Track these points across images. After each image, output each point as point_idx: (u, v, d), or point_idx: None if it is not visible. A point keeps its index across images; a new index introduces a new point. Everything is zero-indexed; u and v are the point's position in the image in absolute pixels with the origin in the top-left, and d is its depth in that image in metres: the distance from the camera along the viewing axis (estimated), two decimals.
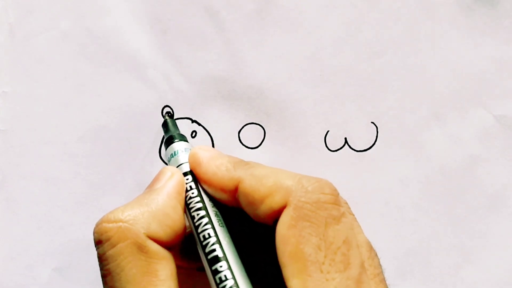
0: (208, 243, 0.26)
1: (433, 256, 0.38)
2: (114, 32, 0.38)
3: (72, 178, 0.38)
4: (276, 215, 0.25)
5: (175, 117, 0.38)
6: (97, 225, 0.25)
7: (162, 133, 0.38)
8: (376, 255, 0.26)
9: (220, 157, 0.28)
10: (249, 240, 0.29)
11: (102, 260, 0.24)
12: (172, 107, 0.38)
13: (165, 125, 0.35)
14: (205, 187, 0.28)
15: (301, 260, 0.23)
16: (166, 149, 0.32)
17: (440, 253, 0.39)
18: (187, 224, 0.28)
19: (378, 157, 0.39)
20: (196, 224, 0.27)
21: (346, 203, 0.27)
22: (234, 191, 0.26)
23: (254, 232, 0.29)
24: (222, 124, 0.38)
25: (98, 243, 0.25)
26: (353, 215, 0.26)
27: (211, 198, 0.28)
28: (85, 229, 0.38)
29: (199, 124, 0.38)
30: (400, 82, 0.39)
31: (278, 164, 0.38)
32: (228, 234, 0.26)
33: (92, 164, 0.38)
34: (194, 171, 0.29)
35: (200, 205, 0.27)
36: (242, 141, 0.39)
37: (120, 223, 0.25)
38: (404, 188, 0.39)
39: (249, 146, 0.39)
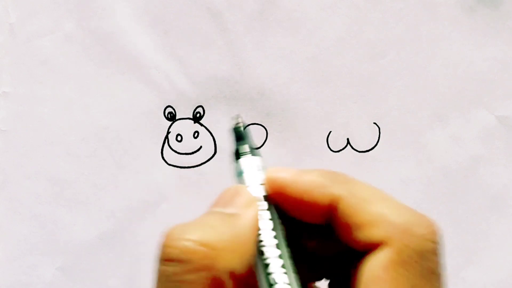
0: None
1: None
2: (117, 34, 0.38)
3: (75, 178, 0.38)
4: (370, 246, 0.23)
5: (177, 117, 0.38)
6: (179, 239, 0.21)
7: (164, 134, 0.38)
8: None
9: (306, 172, 0.25)
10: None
11: (173, 280, 0.21)
12: (174, 107, 0.38)
13: (236, 134, 0.29)
14: (291, 208, 0.25)
15: None
16: (236, 160, 0.28)
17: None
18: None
19: (380, 157, 0.39)
20: (267, 263, 0.24)
21: None
22: (326, 208, 0.24)
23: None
24: (224, 124, 0.38)
25: (174, 260, 0.21)
26: None
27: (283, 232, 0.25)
28: (88, 229, 0.38)
29: (201, 125, 0.38)
30: (402, 83, 0.39)
31: (280, 164, 0.38)
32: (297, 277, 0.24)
33: (95, 165, 0.38)
34: (278, 197, 0.25)
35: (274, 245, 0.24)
36: None
37: (208, 249, 0.21)
38: (406, 189, 0.39)
39: None
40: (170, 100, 0.38)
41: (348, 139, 0.39)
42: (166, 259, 0.21)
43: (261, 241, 0.24)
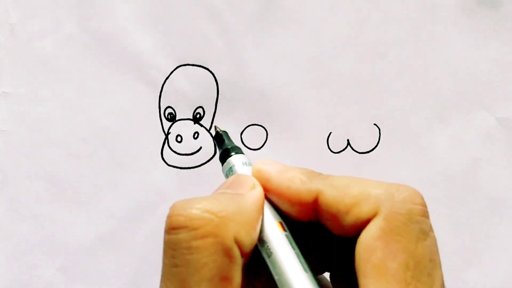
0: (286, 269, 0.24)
1: None
2: (118, 34, 0.38)
3: (75, 178, 0.38)
4: (362, 226, 0.23)
5: (177, 118, 0.38)
6: (186, 208, 0.22)
7: (164, 135, 0.38)
8: None
9: (290, 169, 0.26)
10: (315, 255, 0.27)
11: (181, 247, 0.22)
12: (174, 108, 0.38)
13: (218, 138, 0.33)
14: (277, 202, 0.26)
15: (386, 277, 0.21)
16: (223, 163, 0.31)
17: (442, 255, 0.39)
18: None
19: (380, 159, 0.39)
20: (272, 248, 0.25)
21: None
22: (311, 204, 0.25)
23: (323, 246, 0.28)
24: (224, 125, 0.38)
25: (181, 227, 0.22)
26: None
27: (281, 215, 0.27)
28: (88, 230, 0.38)
29: (201, 126, 0.38)
30: (403, 84, 0.39)
31: None
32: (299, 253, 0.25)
33: (95, 165, 0.38)
34: (263, 187, 0.26)
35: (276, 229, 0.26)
36: (245, 142, 0.39)
37: (214, 217, 0.22)
38: None
39: (251, 147, 0.39)
40: (170, 100, 0.38)
41: (348, 140, 0.39)
42: (173, 228, 0.22)
43: (267, 221, 0.25)
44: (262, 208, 0.25)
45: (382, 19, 0.39)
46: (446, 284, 0.39)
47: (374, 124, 0.39)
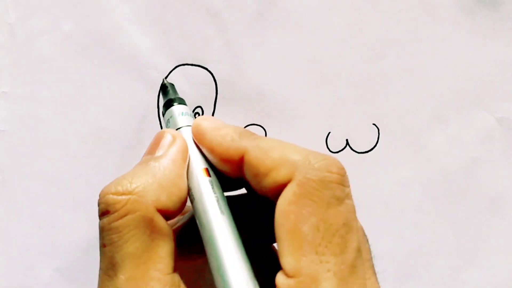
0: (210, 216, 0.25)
1: (434, 258, 0.38)
2: (116, 33, 0.38)
3: (73, 178, 0.38)
4: (280, 189, 0.24)
5: None
6: (104, 195, 0.24)
7: None
8: (367, 241, 0.26)
9: (225, 126, 0.28)
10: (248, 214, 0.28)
11: (105, 230, 0.24)
12: None
13: (163, 89, 0.34)
14: (209, 157, 0.28)
15: (297, 239, 0.23)
16: (164, 113, 0.32)
17: (442, 256, 0.39)
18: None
19: (379, 158, 0.39)
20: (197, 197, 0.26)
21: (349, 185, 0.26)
22: (239, 162, 0.26)
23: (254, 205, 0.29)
24: None
25: (104, 213, 0.24)
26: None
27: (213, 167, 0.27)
28: (86, 230, 0.38)
29: None
30: (402, 84, 0.39)
31: None
32: (227, 207, 0.26)
33: (93, 165, 0.38)
34: (198, 142, 0.28)
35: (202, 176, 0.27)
36: None
37: (130, 196, 0.24)
38: (405, 190, 0.39)
39: None
40: None
41: (347, 140, 0.39)
42: (100, 215, 0.24)
43: (191, 174, 0.27)
44: (185, 160, 0.27)
45: (381, 19, 0.39)
46: (446, 284, 0.39)
47: (373, 124, 0.39)
